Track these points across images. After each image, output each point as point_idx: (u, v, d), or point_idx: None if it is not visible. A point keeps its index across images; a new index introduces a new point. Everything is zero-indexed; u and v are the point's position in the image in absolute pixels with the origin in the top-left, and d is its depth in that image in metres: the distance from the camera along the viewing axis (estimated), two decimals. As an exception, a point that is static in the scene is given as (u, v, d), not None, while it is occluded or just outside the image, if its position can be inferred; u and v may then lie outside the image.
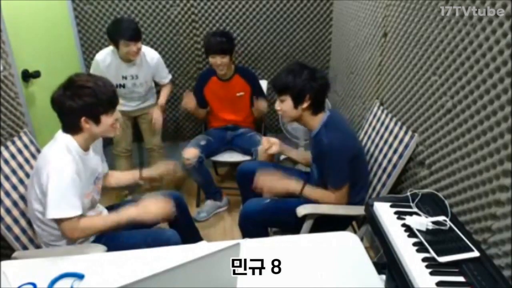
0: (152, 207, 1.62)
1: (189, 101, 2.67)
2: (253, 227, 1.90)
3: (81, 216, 1.54)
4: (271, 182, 1.84)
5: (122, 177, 1.98)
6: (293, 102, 1.78)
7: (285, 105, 1.81)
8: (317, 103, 1.80)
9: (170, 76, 2.81)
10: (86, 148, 1.61)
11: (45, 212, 1.49)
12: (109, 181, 1.91)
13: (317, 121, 1.83)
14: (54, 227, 1.57)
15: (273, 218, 1.92)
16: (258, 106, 2.68)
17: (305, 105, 1.78)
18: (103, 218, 1.68)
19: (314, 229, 1.80)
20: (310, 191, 1.84)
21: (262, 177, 1.86)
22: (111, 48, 2.54)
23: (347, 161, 1.76)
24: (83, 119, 1.52)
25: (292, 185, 1.85)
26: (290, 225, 1.87)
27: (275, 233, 2.06)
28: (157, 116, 2.72)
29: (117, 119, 1.61)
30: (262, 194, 1.89)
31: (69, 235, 1.54)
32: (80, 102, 1.49)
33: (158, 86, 2.85)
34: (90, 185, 1.64)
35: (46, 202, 1.48)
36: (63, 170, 1.49)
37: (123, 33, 2.38)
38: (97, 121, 1.55)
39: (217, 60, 2.56)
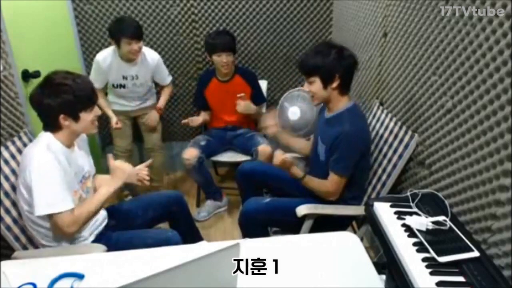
0: (122, 175, 1.66)
1: (196, 120, 2.72)
2: (253, 226, 1.89)
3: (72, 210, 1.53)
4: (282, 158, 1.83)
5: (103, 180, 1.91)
6: (322, 83, 1.75)
7: (314, 87, 1.78)
8: (345, 82, 1.78)
9: (170, 78, 2.81)
10: (69, 145, 1.61)
11: (33, 210, 1.48)
12: (96, 186, 1.86)
13: (341, 103, 1.80)
14: (46, 227, 1.57)
15: (274, 218, 1.92)
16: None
17: (334, 85, 1.75)
18: (87, 204, 1.61)
19: (314, 229, 1.80)
20: (309, 179, 1.85)
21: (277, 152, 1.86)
22: (112, 48, 2.54)
23: (359, 152, 1.76)
24: (61, 116, 1.52)
25: (297, 169, 1.84)
26: (291, 224, 1.87)
27: (275, 233, 2.06)
28: (152, 114, 2.75)
29: (96, 116, 1.62)
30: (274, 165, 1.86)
31: (63, 230, 1.52)
32: (58, 100, 1.49)
33: (158, 87, 2.85)
34: (77, 184, 1.62)
35: (33, 200, 1.48)
36: (46, 166, 1.48)
37: (125, 31, 2.39)
38: (76, 118, 1.55)
39: (223, 58, 2.56)
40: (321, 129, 1.92)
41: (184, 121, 2.68)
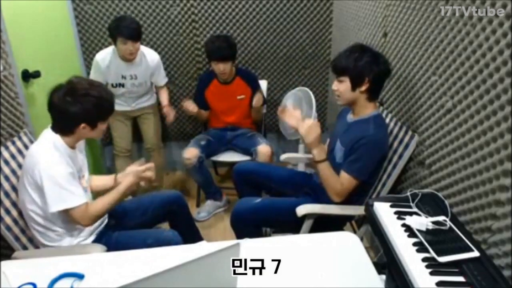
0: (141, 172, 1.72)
1: (190, 106, 2.64)
2: (244, 226, 1.88)
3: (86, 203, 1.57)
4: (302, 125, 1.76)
5: (99, 181, 1.92)
6: (351, 84, 1.73)
7: (342, 86, 1.76)
8: (375, 88, 1.75)
9: (166, 79, 2.80)
10: (73, 147, 1.64)
11: (47, 207, 1.50)
12: (92, 187, 1.88)
13: (368, 109, 1.78)
14: (48, 227, 1.58)
15: (266, 218, 1.90)
16: (255, 104, 2.68)
17: (363, 88, 1.73)
18: (106, 198, 1.66)
19: (311, 228, 1.80)
20: (328, 167, 1.75)
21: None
22: (111, 48, 2.54)
23: (376, 160, 1.74)
24: (82, 125, 1.55)
25: (319, 150, 1.74)
26: (282, 224, 1.86)
27: (275, 233, 2.05)
28: (168, 110, 2.71)
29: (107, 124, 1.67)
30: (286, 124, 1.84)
31: (80, 222, 1.57)
32: (83, 110, 1.52)
33: (156, 88, 2.85)
34: (78, 183, 1.64)
35: (46, 198, 1.49)
36: (55, 164, 1.51)
37: (122, 30, 2.38)
38: (93, 127, 1.59)
39: (220, 67, 2.56)
40: (341, 132, 1.87)
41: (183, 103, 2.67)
